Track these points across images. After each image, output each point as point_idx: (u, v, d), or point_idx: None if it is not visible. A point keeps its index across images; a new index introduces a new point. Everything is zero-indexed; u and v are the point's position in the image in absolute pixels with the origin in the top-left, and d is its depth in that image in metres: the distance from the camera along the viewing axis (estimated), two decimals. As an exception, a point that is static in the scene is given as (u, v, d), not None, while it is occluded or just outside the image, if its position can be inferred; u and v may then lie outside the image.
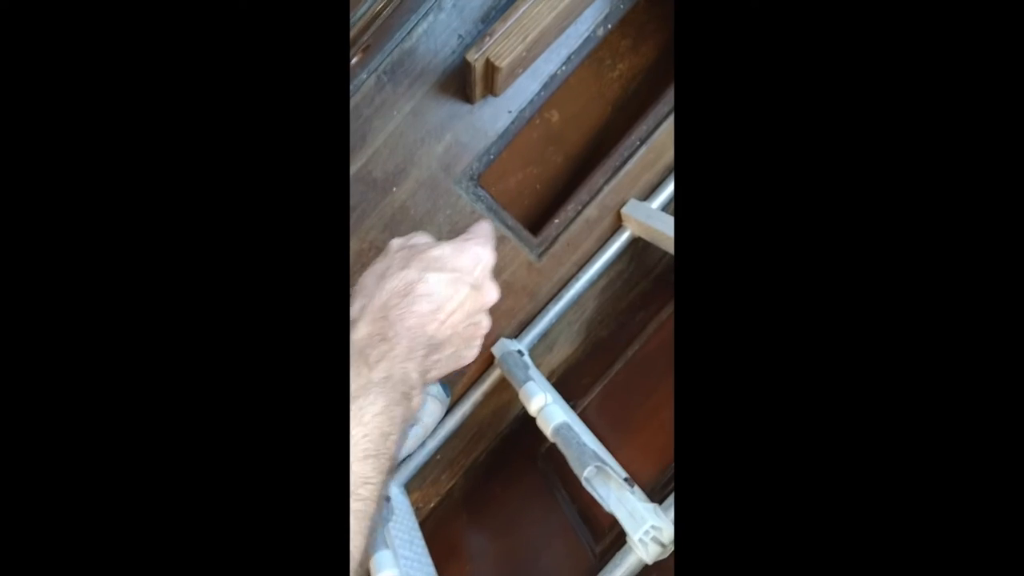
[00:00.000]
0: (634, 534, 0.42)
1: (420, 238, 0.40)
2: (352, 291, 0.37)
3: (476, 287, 0.38)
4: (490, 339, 0.69)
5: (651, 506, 0.44)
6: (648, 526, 0.42)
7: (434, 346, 0.36)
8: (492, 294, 0.39)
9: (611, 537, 0.51)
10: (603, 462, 0.47)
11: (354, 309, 0.35)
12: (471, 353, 0.40)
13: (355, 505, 0.29)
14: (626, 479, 0.46)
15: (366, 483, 0.29)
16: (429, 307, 0.35)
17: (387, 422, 0.31)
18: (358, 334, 0.33)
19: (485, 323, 0.40)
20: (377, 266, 0.37)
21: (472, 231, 0.41)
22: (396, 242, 0.39)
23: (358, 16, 0.46)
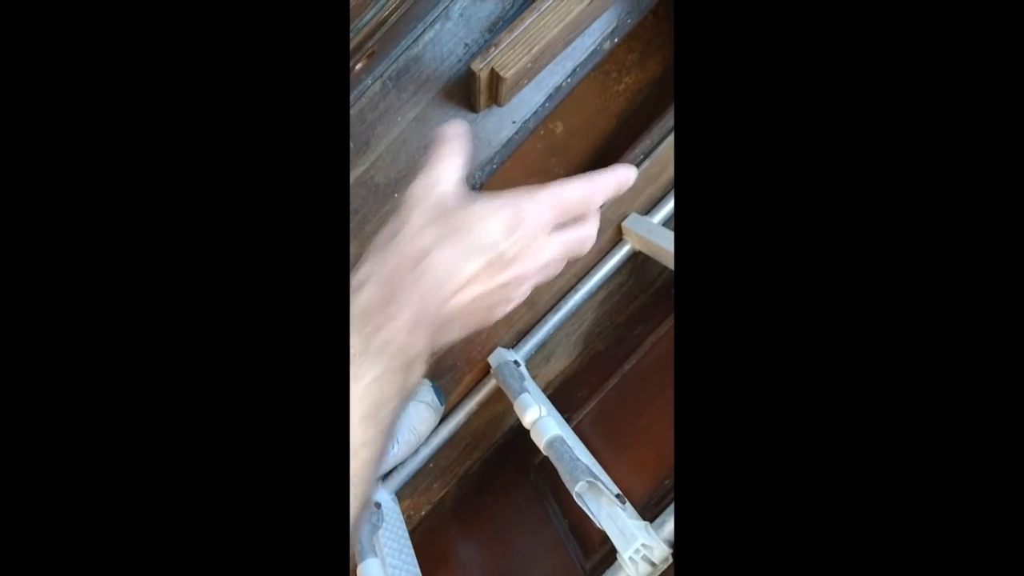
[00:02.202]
0: (624, 552, 0.42)
1: (448, 172, 0.33)
2: (364, 255, 0.33)
3: (500, 260, 0.32)
4: (487, 348, 0.69)
5: (642, 524, 0.43)
6: (639, 544, 0.42)
7: (441, 324, 0.33)
8: (526, 264, 0.33)
9: (601, 553, 0.50)
10: (595, 477, 0.46)
11: (362, 272, 0.32)
12: (489, 322, 0.35)
13: (353, 465, 0.28)
14: (618, 495, 0.46)
15: (364, 445, 0.29)
16: (435, 281, 0.32)
17: (380, 391, 0.30)
18: (362, 297, 0.31)
19: (518, 293, 0.34)
20: (394, 223, 0.33)
21: (536, 189, 0.34)
22: (418, 190, 0.33)
23: (364, 22, 0.46)
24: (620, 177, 0.35)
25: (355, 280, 0.32)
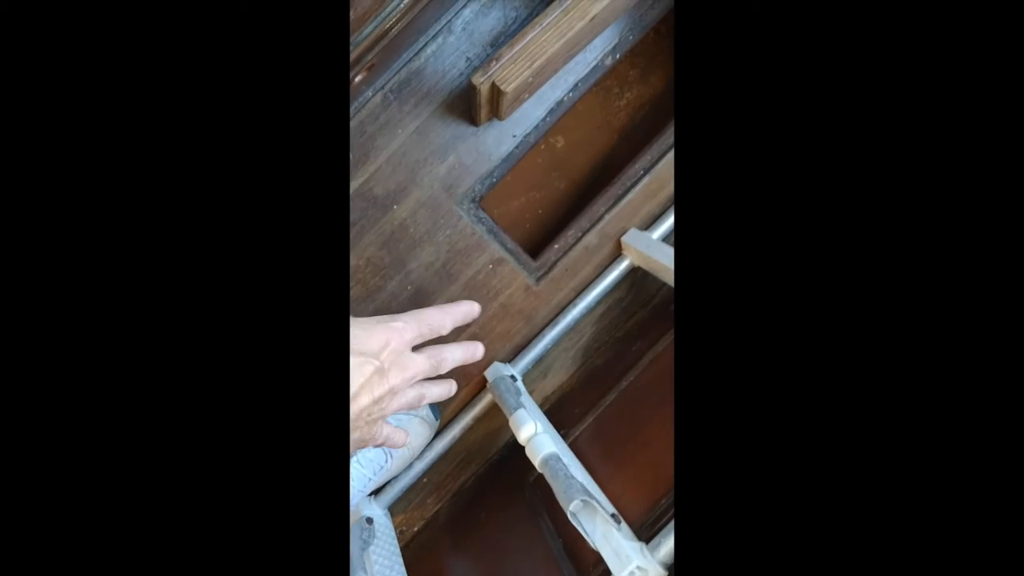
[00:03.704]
0: (619, 574, 0.41)
1: None
2: None
3: (381, 370, 0.39)
4: (484, 363, 0.68)
5: (637, 545, 0.43)
6: (633, 566, 0.41)
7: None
8: (395, 378, 0.41)
9: (595, 574, 0.49)
10: (590, 496, 0.45)
11: None
12: (374, 433, 0.42)
13: None
14: (613, 515, 0.45)
15: None
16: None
17: None
18: None
19: (392, 406, 0.41)
20: None
21: (411, 313, 0.43)
22: None
23: (364, 34, 0.46)
24: (467, 309, 0.48)
25: None
